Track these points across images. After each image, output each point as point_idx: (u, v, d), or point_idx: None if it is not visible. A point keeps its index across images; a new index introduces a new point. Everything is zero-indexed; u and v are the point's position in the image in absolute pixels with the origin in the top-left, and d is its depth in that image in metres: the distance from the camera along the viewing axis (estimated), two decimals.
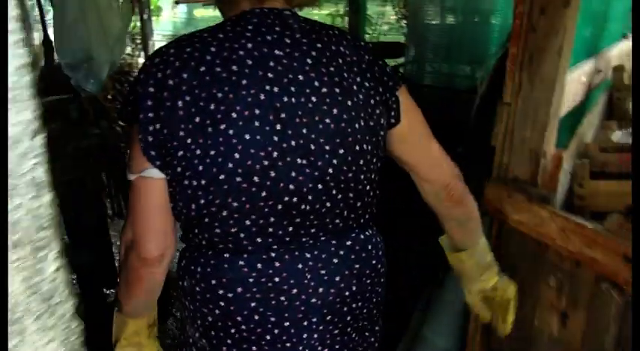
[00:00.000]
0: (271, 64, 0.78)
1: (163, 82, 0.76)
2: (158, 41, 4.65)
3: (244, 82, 0.76)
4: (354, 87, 0.83)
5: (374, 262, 0.94)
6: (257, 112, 0.76)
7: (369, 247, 0.93)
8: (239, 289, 0.84)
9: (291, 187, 0.80)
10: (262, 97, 0.77)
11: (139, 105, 0.77)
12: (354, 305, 0.92)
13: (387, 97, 0.87)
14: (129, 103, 0.79)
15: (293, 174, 0.80)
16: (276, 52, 0.79)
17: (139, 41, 4.61)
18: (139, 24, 4.47)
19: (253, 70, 0.77)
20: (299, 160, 0.80)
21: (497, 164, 1.22)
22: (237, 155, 0.76)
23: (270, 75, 0.78)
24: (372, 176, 0.89)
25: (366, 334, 0.98)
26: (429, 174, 0.96)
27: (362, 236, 0.92)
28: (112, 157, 1.95)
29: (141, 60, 4.62)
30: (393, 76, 0.89)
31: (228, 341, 0.87)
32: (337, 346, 0.93)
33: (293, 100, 0.79)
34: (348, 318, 0.93)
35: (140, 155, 0.78)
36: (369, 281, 0.93)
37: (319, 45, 0.82)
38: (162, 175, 0.79)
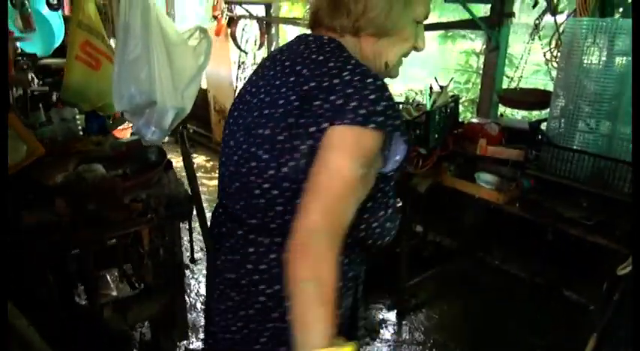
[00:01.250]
0: (259, 71, 1.06)
1: None
2: None
3: (246, 82, 1.09)
4: (280, 101, 0.94)
5: (249, 266, 0.99)
6: (235, 102, 1.08)
7: (250, 250, 0.99)
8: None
9: (223, 159, 1.06)
10: (242, 92, 1.07)
11: None
12: (237, 298, 1.03)
13: (311, 123, 0.89)
14: None
15: (226, 150, 1.05)
16: (267, 63, 1.05)
17: None
18: (266, 55, 4.48)
19: (254, 75, 1.07)
20: (230, 142, 1.04)
21: None
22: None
23: (253, 78, 1.06)
24: (266, 185, 0.94)
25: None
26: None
27: (248, 238, 1.00)
28: (182, 207, 1.75)
29: None
30: (338, 109, 0.86)
31: None
32: (233, 328, 1.05)
33: (247, 97, 1.04)
34: (241, 313, 1.03)
35: None
36: (245, 289, 1.01)
37: (288, 63, 0.98)
38: None
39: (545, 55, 2.24)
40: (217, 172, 1.11)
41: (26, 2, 3.67)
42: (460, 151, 2.39)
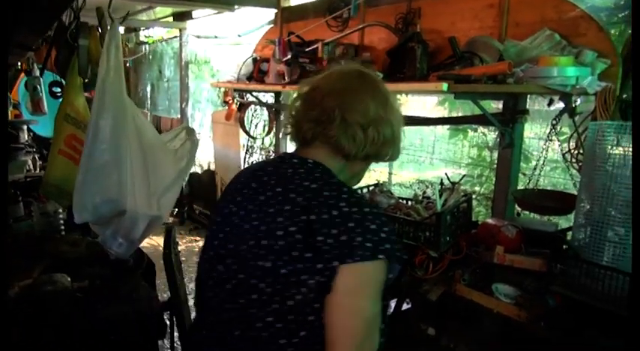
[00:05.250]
0: (244, 191, 1.06)
1: None
2: None
3: (229, 197, 1.09)
4: (279, 232, 0.93)
5: None
6: (217, 221, 1.08)
7: None
8: None
9: (210, 283, 1.04)
10: (224, 212, 1.07)
11: None
12: None
13: (318, 259, 0.89)
14: None
15: (213, 274, 1.03)
16: (253, 184, 1.05)
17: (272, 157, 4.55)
18: (274, 141, 4.44)
19: (236, 191, 1.08)
20: (218, 267, 1.01)
21: None
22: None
23: (237, 198, 1.06)
24: (270, 319, 0.91)
25: None
26: None
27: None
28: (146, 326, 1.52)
29: None
30: (344, 246, 0.88)
31: None
32: None
33: (234, 219, 1.03)
34: None
35: None
36: None
37: (279, 189, 1.00)
38: None
39: (564, 156, 2.08)
40: (196, 290, 1.12)
41: (38, 87, 3.72)
42: (475, 256, 2.16)
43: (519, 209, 2.60)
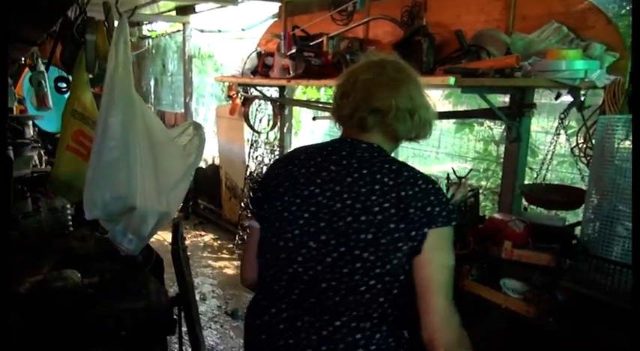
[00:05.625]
0: (323, 174, 1.17)
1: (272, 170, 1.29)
2: None
3: (302, 180, 1.18)
4: (375, 209, 1.09)
5: None
6: (304, 193, 1.16)
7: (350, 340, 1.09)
8: None
9: (300, 259, 1.14)
10: (304, 194, 1.16)
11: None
12: None
13: (410, 228, 1.08)
14: None
15: (303, 250, 1.14)
16: (332, 167, 1.17)
17: (277, 152, 4.54)
18: (279, 135, 4.43)
19: (312, 174, 1.18)
20: (309, 243, 1.13)
21: None
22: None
23: (319, 180, 1.16)
24: (372, 282, 1.08)
25: None
26: (422, 314, 1.07)
27: (351, 326, 1.10)
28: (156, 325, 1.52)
29: None
30: (429, 215, 1.08)
31: None
32: None
33: (321, 199, 1.14)
34: None
35: None
36: None
37: (364, 171, 1.13)
38: None
39: (572, 150, 2.06)
40: (268, 269, 1.19)
41: (43, 82, 3.71)
42: (482, 251, 2.15)
43: (526, 204, 2.60)
